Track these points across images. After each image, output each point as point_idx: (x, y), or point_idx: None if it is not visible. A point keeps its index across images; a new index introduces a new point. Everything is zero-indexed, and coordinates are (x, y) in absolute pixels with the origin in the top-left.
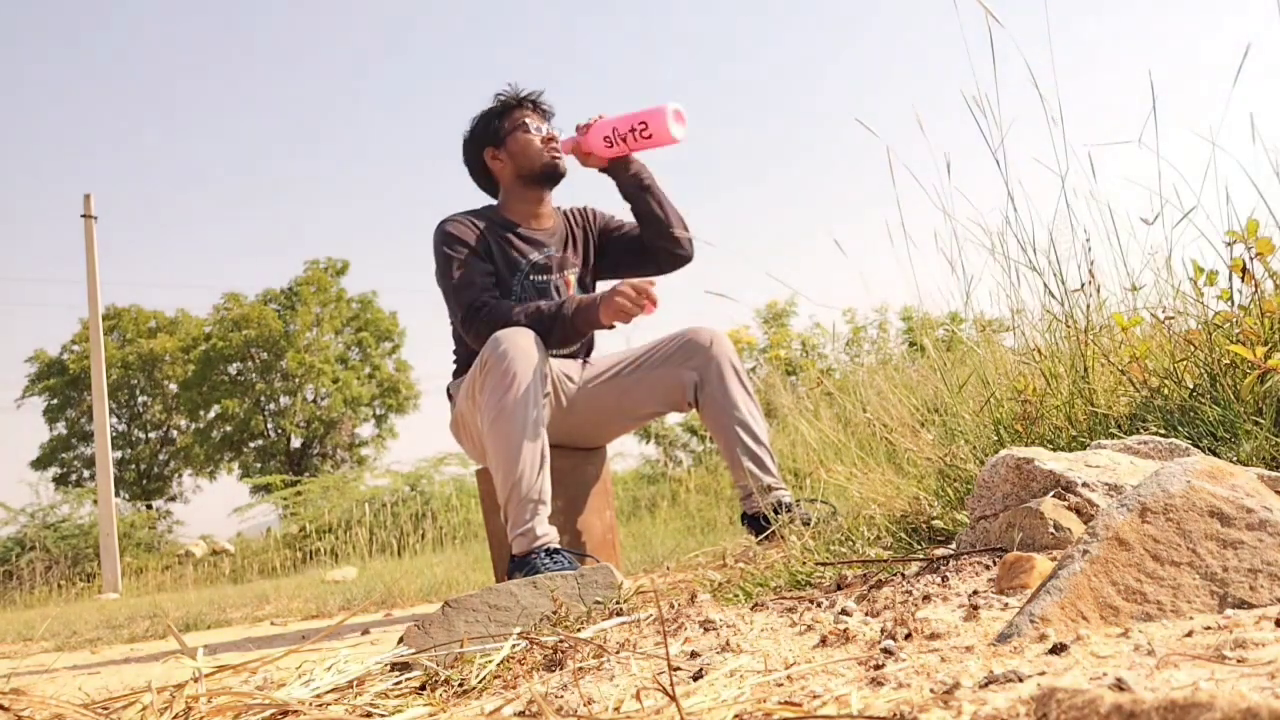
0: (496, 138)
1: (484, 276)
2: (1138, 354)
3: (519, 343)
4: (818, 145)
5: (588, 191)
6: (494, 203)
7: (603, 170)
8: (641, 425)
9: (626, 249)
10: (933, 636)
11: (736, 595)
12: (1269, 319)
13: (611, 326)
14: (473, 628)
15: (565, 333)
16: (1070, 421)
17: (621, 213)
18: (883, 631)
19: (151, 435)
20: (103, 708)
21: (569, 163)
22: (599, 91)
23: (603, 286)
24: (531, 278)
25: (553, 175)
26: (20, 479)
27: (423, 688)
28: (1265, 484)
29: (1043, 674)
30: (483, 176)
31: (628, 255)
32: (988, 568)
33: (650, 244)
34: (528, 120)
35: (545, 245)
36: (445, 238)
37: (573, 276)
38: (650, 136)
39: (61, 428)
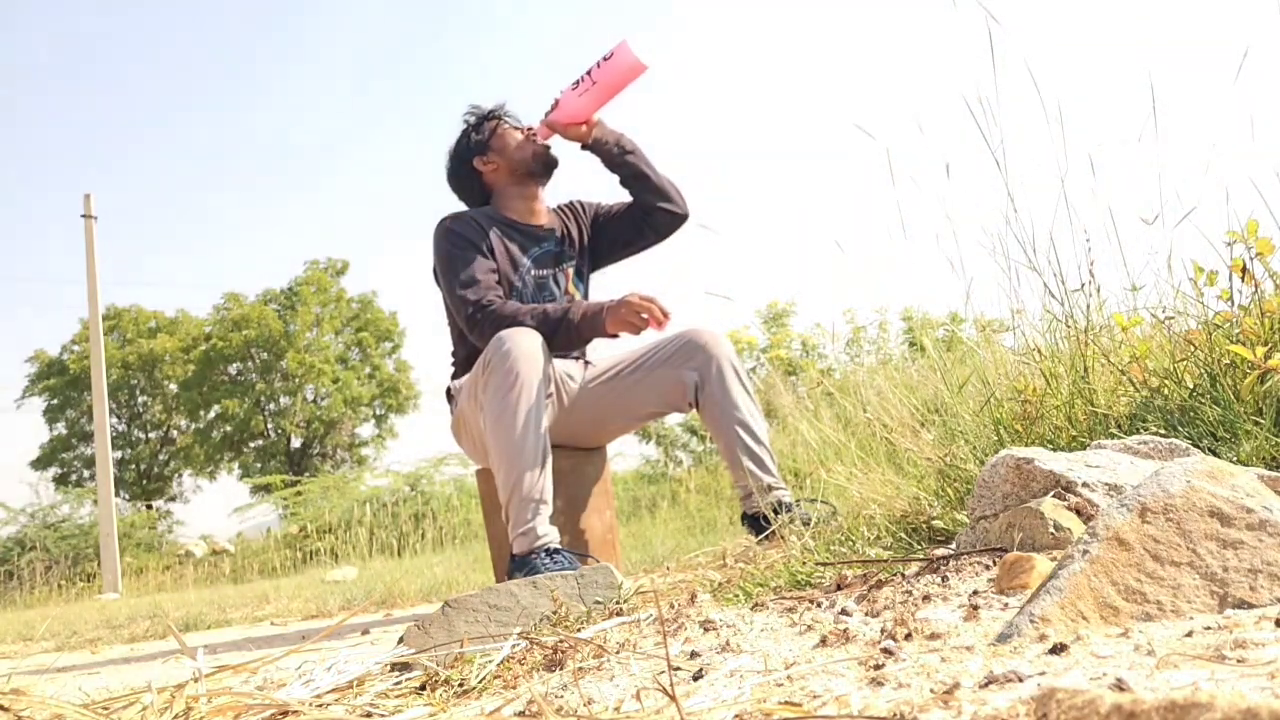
0: (482, 146)
1: (488, 274)
2: (1138, 354)
3: (523, 343)
4: (818, 144)
5: (574, 185)
6: (489, 206)
7: (586, 147)
8: (642, 425)
9: (622, 224)
10: (933, 636)
11: (736, 595)
12: (1269, 319)
13: (616, 336)
14: (473, 628)
15: (569, 338)
16: (1070, 421)
17: (609, 197)
18: (883, 631)
19: (151, 435)
20: (103, 708)
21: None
22: None
23: (606, 273)
24: (533, 273)
25: (546, 163)
26: (20, 479)
27: (423, 688)
28: (1265, 484)
29: (1043, 674)
30: (474, 191)
31: (625, 229)
32: (988, 568)
33: (643, 208)
34: (505, 120)
35: (544, 240)
36: (448, 235)
37: (571, 269)
38: (611, 58)
39: (61, 428)
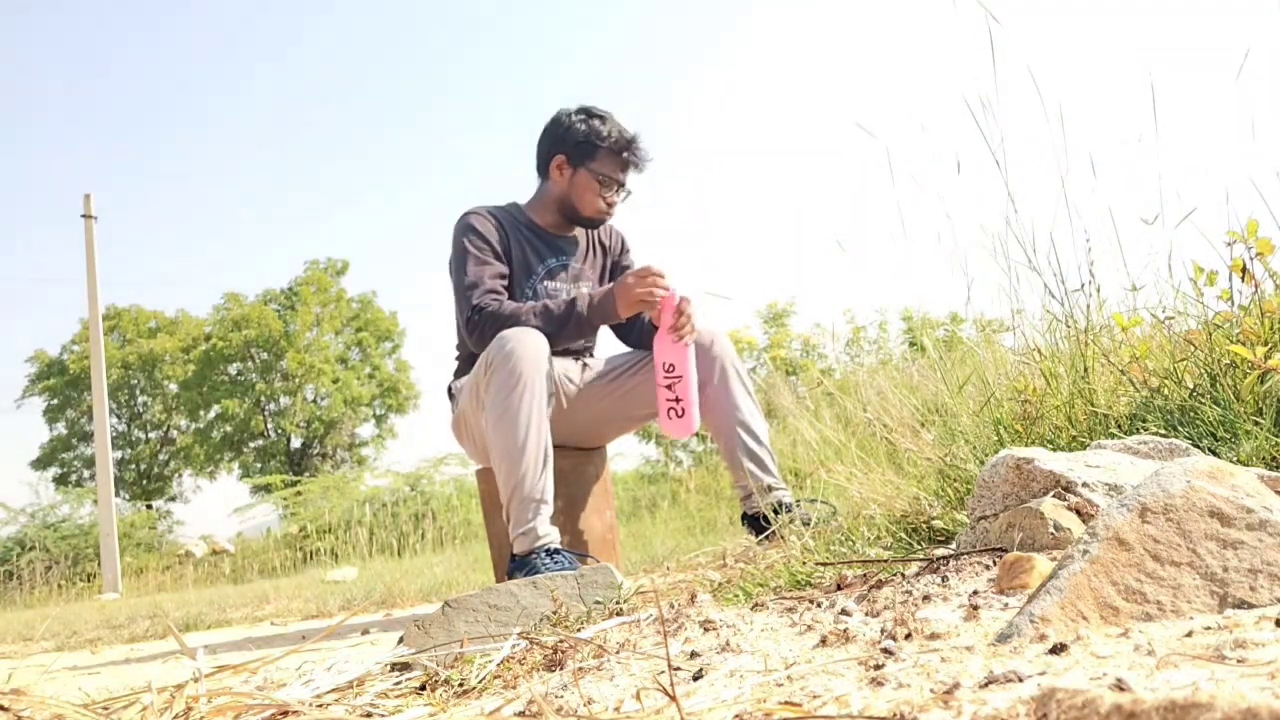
0: (574, 159)
1: (495, 278)
2: (1138, 354)
3: (525, 343)
4: (818, 144)
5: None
6: (519, 203)
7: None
8: (641, 425)
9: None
10: (933, 636)
11: (736, 595)
12: (1269, 319)
13: (624, 319)
14: (473, 628)
15: (580, 329)
16: (1070, 421)
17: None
18: (883, 631)
19: (151, 435)
20: (103, 708)
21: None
22: (594, 93)
23: None
24: (545, 283)
25: (590, 225)
26: (20, 479)
27: (423, 688)
28: (1265, 484)
29: (1043, 674)
30: (542, 164)
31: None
32: (988, 568)
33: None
34: (609, 175)
35: (565, 253)
36: (466, 230)
37: (585, 289)
38: (672, 371)
39: (61, 428)
